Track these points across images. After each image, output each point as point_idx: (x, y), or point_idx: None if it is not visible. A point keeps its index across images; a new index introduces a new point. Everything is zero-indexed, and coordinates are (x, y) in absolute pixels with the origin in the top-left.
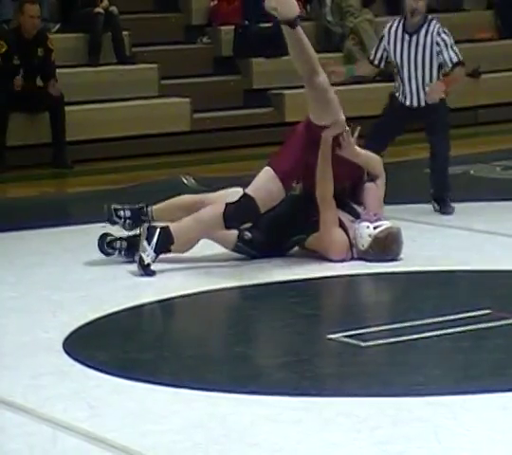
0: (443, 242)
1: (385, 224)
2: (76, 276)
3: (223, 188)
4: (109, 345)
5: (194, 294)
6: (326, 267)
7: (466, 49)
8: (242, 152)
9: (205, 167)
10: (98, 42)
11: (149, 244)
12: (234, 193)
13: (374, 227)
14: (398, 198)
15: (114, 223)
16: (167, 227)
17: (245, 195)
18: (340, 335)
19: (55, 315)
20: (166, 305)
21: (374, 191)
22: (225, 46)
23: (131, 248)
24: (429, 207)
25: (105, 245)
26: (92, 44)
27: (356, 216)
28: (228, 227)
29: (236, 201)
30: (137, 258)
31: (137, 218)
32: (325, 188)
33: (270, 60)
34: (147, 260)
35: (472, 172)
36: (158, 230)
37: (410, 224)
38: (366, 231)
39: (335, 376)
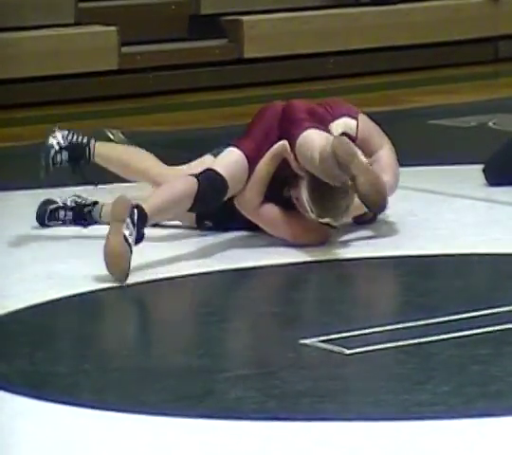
0: (455, 217)
1: None
2: None
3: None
4: (12, 354)
5: (123, 286)
6: (299, 250)
7: None
8: (187, 97)
9: (138, 118)
10: None
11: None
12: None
13: None
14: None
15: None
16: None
17: (218, 174)
18: (317, 339)
19: None
20: (85, 301)
21: None
22: None
23: (78, 220)
24: (437, 169)
25: (47, 215)
26: None
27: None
28: (191, 210)
29: (211, 180)
30: None
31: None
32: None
33: None
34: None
35: (491, 123)
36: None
37: (409, 192)
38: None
39: (310, 394)
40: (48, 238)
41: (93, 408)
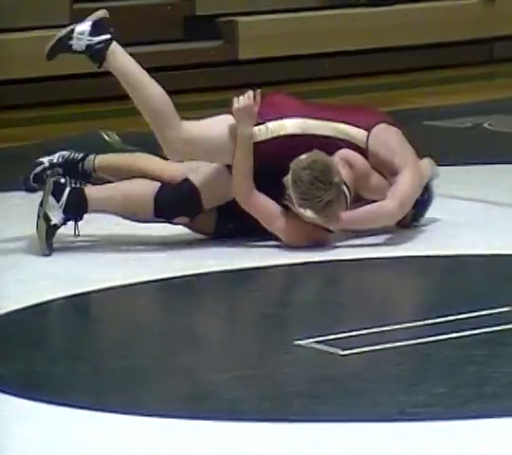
0: (451, 218)
1: None
2: None
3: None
4: (8, 355)
5: (119, 287)
6: (294, 251)
7: None
8: (182, 98)
9: (133, 119)
10: None
11: (58, 201)
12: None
13: None
14: None
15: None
16: (82, 188)
17: (188, 183)
18: (312, 340)
19: None
20: (81, 302)
21: None
22: None
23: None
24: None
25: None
26: None
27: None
28: (157, 216)
29: (175, 186)
30: (40, 213)
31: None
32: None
33: None
34: (55, 220)
35: (487, 124)
36: (68, 189)
37: None
38: None
39: (304, 395)
40: None
41: (89, 409)
